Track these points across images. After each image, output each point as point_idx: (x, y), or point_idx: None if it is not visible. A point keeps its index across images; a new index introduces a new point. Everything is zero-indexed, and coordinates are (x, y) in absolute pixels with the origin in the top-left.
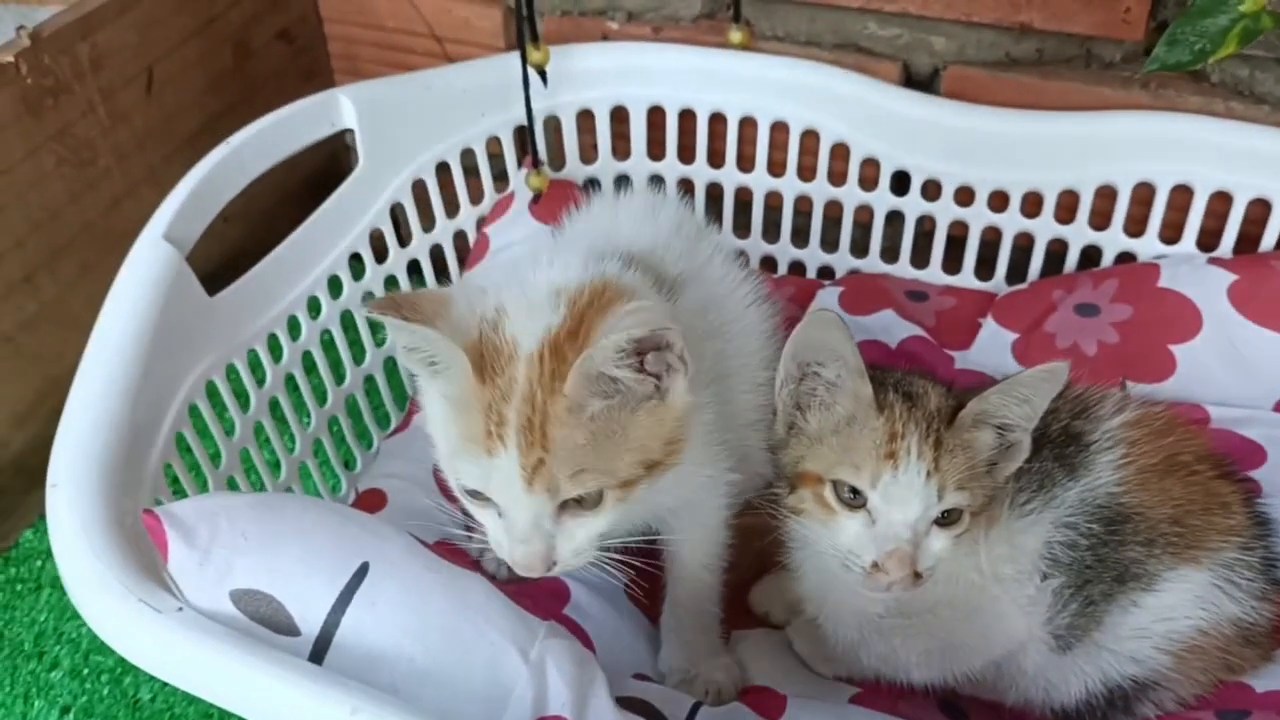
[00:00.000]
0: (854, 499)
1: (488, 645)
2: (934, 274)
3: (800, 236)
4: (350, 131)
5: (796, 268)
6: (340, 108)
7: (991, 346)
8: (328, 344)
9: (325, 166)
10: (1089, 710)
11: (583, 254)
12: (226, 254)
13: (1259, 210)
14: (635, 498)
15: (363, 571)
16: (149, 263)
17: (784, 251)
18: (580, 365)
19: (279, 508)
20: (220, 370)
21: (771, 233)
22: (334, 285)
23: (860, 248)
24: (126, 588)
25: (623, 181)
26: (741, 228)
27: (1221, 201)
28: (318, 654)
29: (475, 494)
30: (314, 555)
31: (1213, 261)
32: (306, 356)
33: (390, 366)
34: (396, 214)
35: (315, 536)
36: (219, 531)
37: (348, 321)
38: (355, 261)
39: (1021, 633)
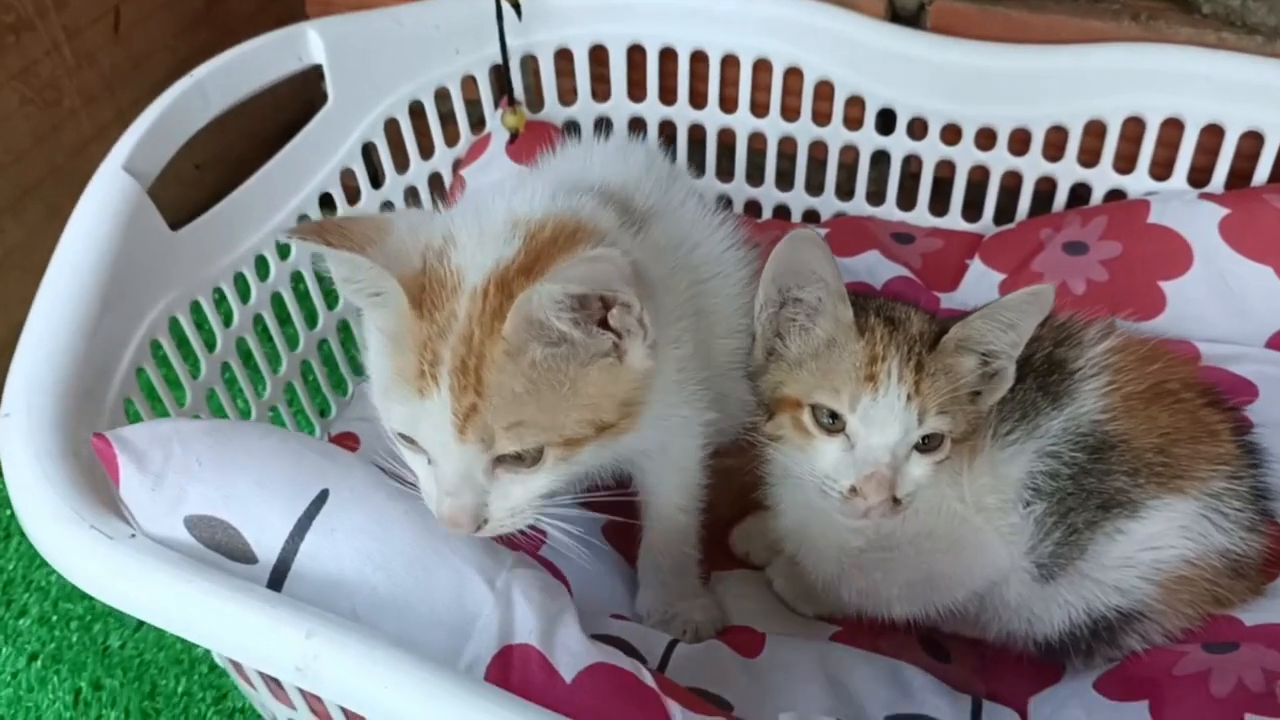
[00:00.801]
0: (833, 423)
1: (452, 573)
2: (920, 216)
3: (785, 180)
4: (323, 78)
5: (781, 212)
6: (308, 42)
7: (979, 287)
8: (302, 294)
9: (301, 116)
10: (1073, 642)
11: (552, 185)
12: (200, 201)
13: (1251, 144)
14: (578, 459)
15: (322, 498)
16: (109, 193)
17: (768, 195)
18: (518, 307)
19: (234, 434)
20: (184, 307)
21: (755, 176)
22: None
23: (845, 191)
24: (78, 514)
25: (603, 124)
26: (725, 172)
27: (1213, 136)
28: (275, 582)
29: (407, 438)
30: (271, 481)
31: (1204, 196)
32: (277, 299)
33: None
34: (369, 154)
35: (272, 463)
36: (172, 456)
37: (320, 266)
38: (327, 203)
39: (1004, 563)
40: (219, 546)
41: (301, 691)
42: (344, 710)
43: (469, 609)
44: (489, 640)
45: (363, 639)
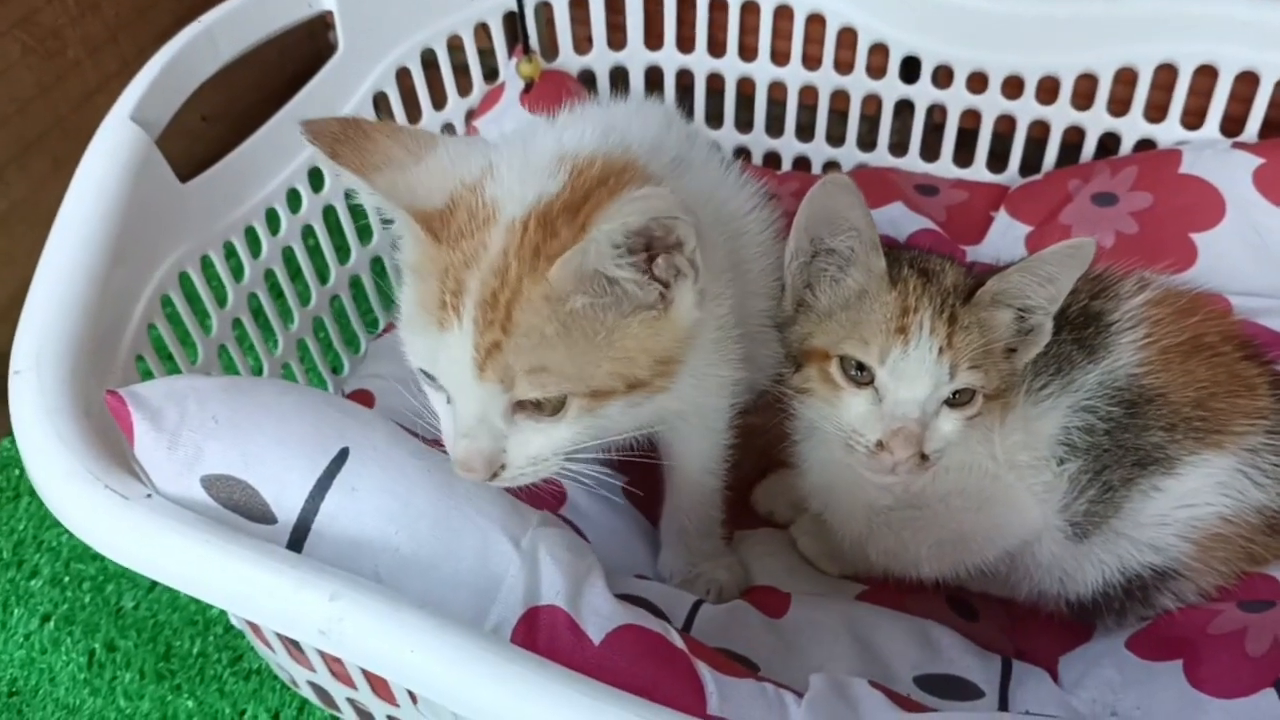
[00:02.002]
0: (861, 375)
1: (477, 533)
2: (945, 167)
3: (805, 131)
4: (332, 30)
5: (801, 164)
6: None
7: (1004, 240)
8: (313, 247)
9: (308, 67)
10: (1106, 601)
11: (603, 124)
12: (206, 154)
13: None
14: (605, 414)
15: (342, 456)
16: (116, 144)
17: (788, 146)
18: (570, 257)
19: (251, 390)
20: (195, 261)
21: (775, 128)
22: (315, 178)
23: (867, 142)
24: (92, 474)
25: (619, 75)
26: (744, 123)
27: (1247, 84)
28: (296, 542)
29: (427, 375)
30: (290, 439)
31: (1237, 146)
32: (287, 253)
33: (378, 268)
34: (380, 105)
35: (290, 420)
36: (187, 414)
37: (331, 221)
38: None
39: (1036, 522)
40: (237, 506)
41: (321, 654)
42: (364, 672)
43: (494, 570)
44: (514, 602)
45: (388, 601)
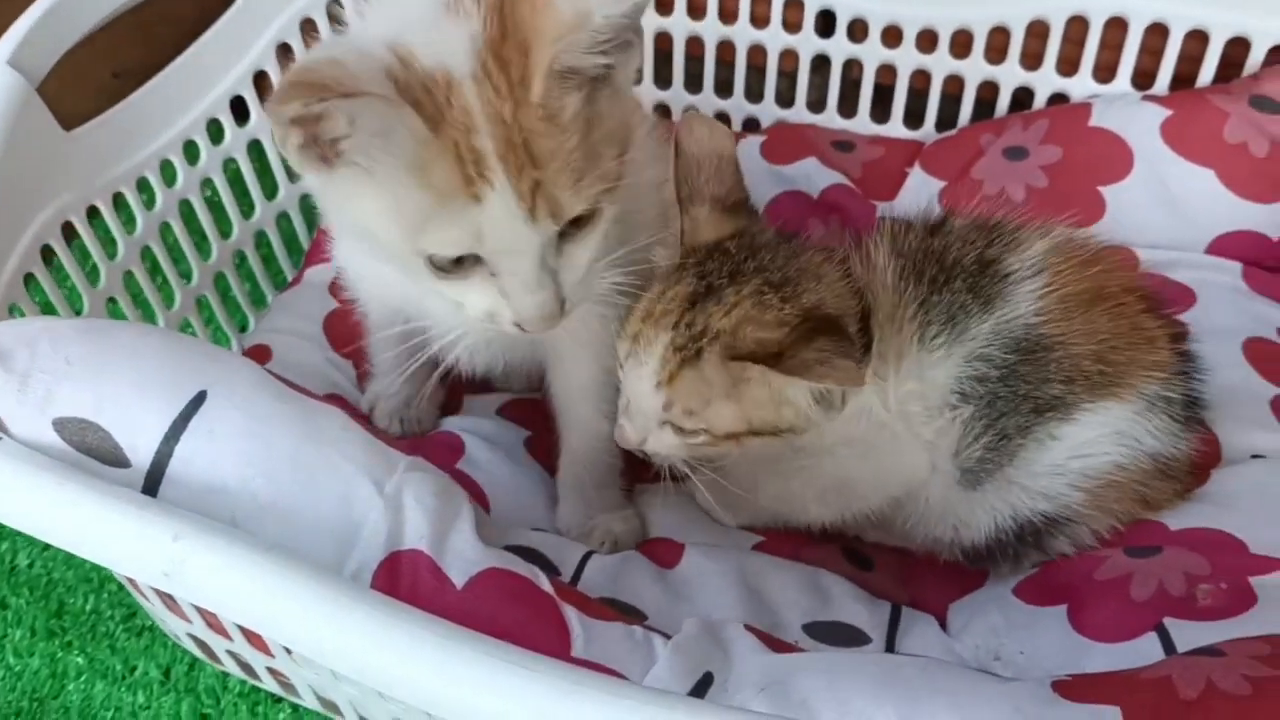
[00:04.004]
0: None
1: (339, 478)
2: (862, 123)
3: (724, 89)
4: None
5: (721, 120)
6: None
7: (918, 196)
8: (216, 204)
9: None
10: (1000, 547)
11: None
12: None
13: (1195, 46)
14: (611, 214)
15: (200, 399)
16: None
17: (707, 102)
18: (548, 68)
19: (109, 332)
20: (80, 211)
21: (694, 84)
22: (215, 131)
23: (786, 99)
24: None
25: None
26: (663, 80)
27: (1157, 36)
28: (150, 487)
29: (449, 269)
30: (146, 382)
31: (1147, 98)
32: (185, 205)
33: (284, 225)
34: (283, 59)
35: (148, 363)
36: (39, 355)
37: (233, 174)
38: (238, 107)
39: (923, 471)
40: (90, 450)
41: (197, 606)
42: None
43: (355, 515)
44: (376, 547)
45: (232, 542)
